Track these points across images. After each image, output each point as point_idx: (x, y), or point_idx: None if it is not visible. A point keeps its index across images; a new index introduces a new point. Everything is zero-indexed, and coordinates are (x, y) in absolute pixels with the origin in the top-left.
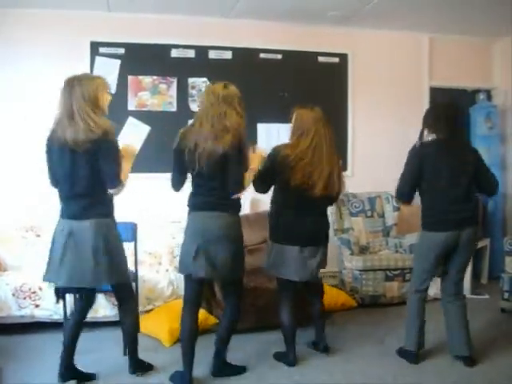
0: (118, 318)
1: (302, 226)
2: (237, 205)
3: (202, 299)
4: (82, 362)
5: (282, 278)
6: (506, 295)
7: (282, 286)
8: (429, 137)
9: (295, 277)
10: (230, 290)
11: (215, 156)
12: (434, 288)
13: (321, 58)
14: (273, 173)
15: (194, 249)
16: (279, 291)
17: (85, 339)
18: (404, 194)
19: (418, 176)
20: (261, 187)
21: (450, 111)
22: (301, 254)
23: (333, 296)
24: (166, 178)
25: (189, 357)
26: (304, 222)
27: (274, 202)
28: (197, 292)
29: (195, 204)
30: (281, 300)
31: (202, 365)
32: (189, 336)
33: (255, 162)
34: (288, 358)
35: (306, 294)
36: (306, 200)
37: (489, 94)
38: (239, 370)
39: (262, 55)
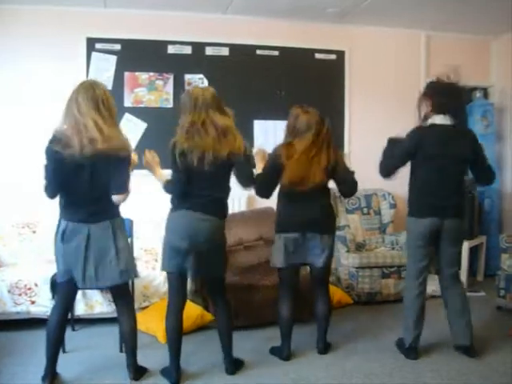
0: (114, 315)
1: (300, 214)
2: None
3: (198, 296)
4: (78, 359)
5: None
6: (502, 292)
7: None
8: (431, 117)
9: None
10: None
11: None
12: (432, 285)
13: (318, 55)
14: (274, 174)
15: None
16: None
17: (81, 336)
18: (390, 173)
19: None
20: (265, 191)
21: (462, 93)
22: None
23: None
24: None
25: (177, 352)
26: (302, 211)
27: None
28: None
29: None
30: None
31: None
32: (177, 333)
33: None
34: (282, 352)
35: (314, 292)
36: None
37: (485, 92)
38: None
39: (258, 52)
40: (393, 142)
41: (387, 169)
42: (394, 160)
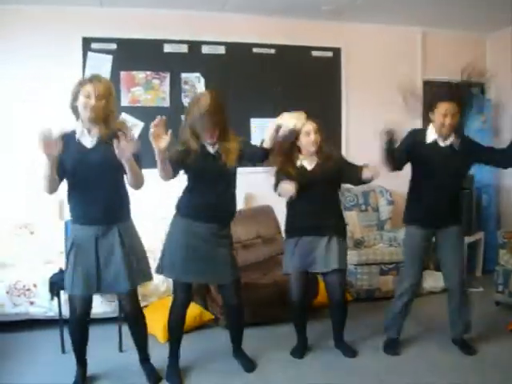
0: (112, 315)
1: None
2: None
3: (198, 296)
4: None
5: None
6: (500, 288)
7: None
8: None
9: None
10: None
11: None
12: (430, 281)
13: (314, 53)
14: None
15: None
16: None
17: None
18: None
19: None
20: None
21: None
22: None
23: None
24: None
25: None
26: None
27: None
28: None
29: None
30: None
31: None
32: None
33: None
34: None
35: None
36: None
37: (482, 88)
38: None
39: (255, 50)
40: None
41: None
42: None
